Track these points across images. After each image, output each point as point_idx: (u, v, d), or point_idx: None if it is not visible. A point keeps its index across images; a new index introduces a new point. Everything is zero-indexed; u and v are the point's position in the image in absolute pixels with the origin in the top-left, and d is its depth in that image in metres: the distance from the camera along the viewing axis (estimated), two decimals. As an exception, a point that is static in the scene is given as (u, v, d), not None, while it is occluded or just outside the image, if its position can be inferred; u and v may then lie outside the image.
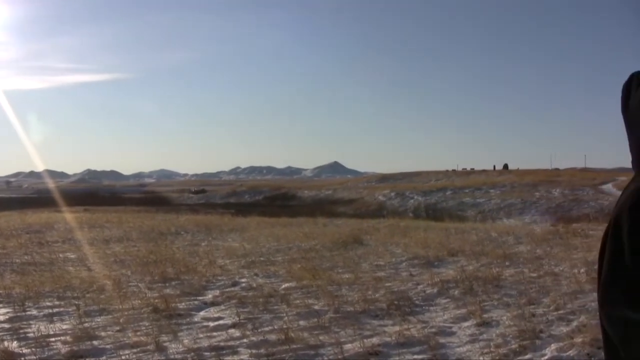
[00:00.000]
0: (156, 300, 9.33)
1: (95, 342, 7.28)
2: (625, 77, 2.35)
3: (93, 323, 8.18)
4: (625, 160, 2.35)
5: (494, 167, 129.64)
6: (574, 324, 7.70)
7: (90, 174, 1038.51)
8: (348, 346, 7.01)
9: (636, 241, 2.04)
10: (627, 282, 2.03)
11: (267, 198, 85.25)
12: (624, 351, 2.05)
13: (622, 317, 2.02)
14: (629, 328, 2.00)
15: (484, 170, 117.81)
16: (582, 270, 11.39)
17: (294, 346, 7.01)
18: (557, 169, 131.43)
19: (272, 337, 7.38)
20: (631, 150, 2.30)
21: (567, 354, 6.56)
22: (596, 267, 2.18)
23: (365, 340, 7.14)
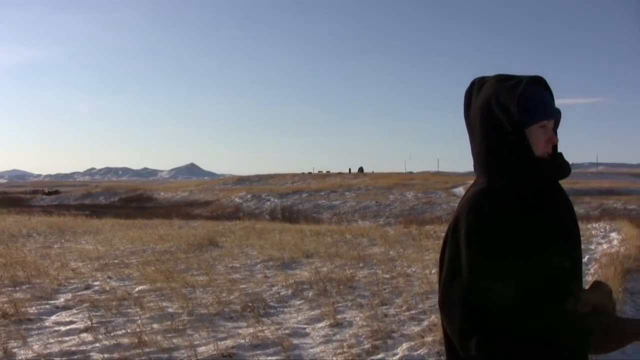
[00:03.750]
0: (5, 305, 9.01)
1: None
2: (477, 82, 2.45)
3: None
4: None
5: (350, 170, 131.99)
6: (425, 323, 7.96)
7: None
8: (202, 349, 6.99)
9: (473, 244, 2.18)
10: (463, 284, 2.18)
11: (122, 200, 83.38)
12: (461, 350, 2.18)
13: (459, 317, 2.17)
14: (464, 328, 2.16)
15: (339, 173, 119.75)
16: (433, 271, 11.76)
17: (147, 350, 6.94)
18: (411, 173, 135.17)
19: (125, 340, 7.28)
20: (472, 155, 2.41)
21: (418, 352, 6.77)
22: None
23: (219, 343, 7.15)
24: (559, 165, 2.43)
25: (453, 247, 2.27)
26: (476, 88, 2.45)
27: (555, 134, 2.43)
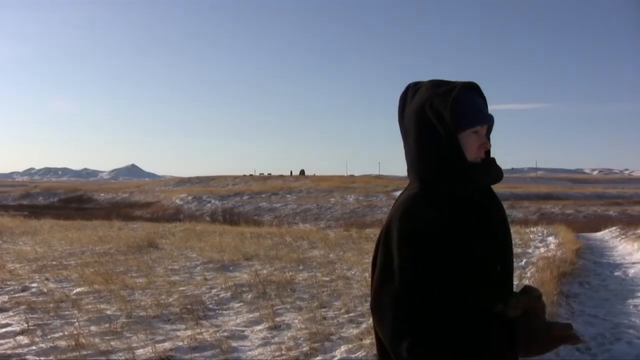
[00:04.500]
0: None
1: None
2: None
3: None
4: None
5: (291, 172, 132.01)
6: (364, 326, 8.04)
7: None
8: (140, 351, 6.97)
9: (405, 248, 2.23)
10: (394, 288, 2.22)
11: (62, 200, 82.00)
12: (393, 353, 2.23)
13: (391, 321, 2.21)
14: (396, 331, 2.20)
15: (281, 176, 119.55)
16: (372, 274, 11.82)
17: (85, 352, 6.90)
18: (352, 176, 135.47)
19: (62, 343, 7.22)
20: (406, 159, 2.47)
21: (356, 355, 6.84)
22: None
23: (157, 345, 7.14)
24: (492, 171, 2.48)
25: (385, 251, 2.30)
26: (410, 93, 2.49)
27: (488, 139, 2.48)
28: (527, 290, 2.44)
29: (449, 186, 2.35)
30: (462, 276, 2.24)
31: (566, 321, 8.60)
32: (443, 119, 2.34)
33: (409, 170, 2.47)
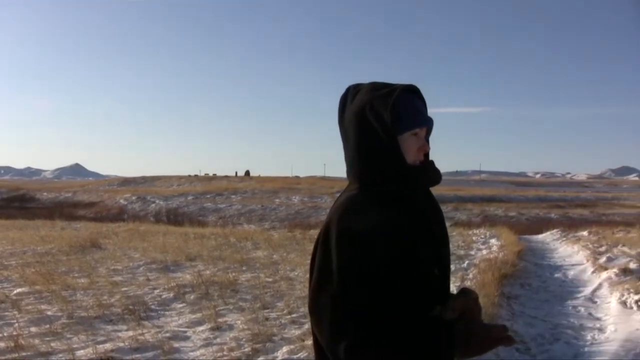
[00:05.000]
0: None
1: None
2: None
3: None
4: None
5: (236, 173, 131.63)
6: (306, 326, 8.08)
7: None
8: (80, 352, 6.94)
9: (344, 250, 2.24)
10: (333, 289, 2.22)
11: (3, 199, 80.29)
12: (330, 355, 2.25)
13: (329, 322, 2.21)
14: (334, 333, 2.20)
15: (226, 176, 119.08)
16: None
17: (24, 354, 6.84)
18: (297, 177, 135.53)
19: (1, 345, 7.16)
20: (345, 161, 2.50)
21: (298, 355, 6.89)
22: None
23: (98, 346, 7.11)
24: (430, 173, 2.48)
25: (324, 253, 2.30)
26: (350, 95, 2.49)
27: (428, 142, 2.48)
28: (464, 292, 2.44)
29: (388, 188, 2.37)
30: (400, 278, 2.26)
31: (507, 322, 8.80)
32: (383, 121, 2.34)
33: (348, 172, 2.47)
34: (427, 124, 2.46)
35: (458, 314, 2.30)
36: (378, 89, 2.43)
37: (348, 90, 2.52)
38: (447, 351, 2.23)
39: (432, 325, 2.25)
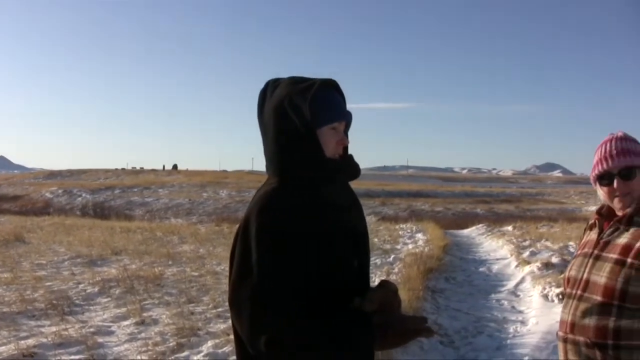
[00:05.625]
0: None
1: None
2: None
3: None
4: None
5: (164, 167, 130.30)
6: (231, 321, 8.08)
7: None
8: (2, 348, 6.83)
9: (263, 243, 2.27)
10: (253, 282, 2.25)
11: None
12: (251, 347, 2.28)
13: (249, 315, 2.25)
14: (254, 326, 2.24)
15: (153, 170, 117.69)
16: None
17: (-57, 350, 6.72)
18: (225, 171, 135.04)
19: None
20: (264, 155, 2.53)
21: (223, 350, 6.89)
22: None
23: (20, 342, 6.99)
24: (349, 167, 2.53)
25: (243, 246, 2.32)
26: (270, 89, 2.51)
27: (347, 136, 2.53)
28: (383, 284, 2.48)
29: (307, 181, 2.40)
30: (319, 271, 2.30)
31: (431, 316, 8.96)
32: (302, 114, 2.37)
33: (267, 167, 2.51)
34: (346, 118, 2.50)
35: (377, 306, 2.33)
36: (297, 83, 2.46)
37: (267, 84, 2.55)
38: (366, 342, 2.27)
39: (351, 317, 2.28)
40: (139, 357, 6.72)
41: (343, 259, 2.41)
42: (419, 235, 22.23)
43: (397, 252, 16.68)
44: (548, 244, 18.45)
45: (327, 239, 2.35)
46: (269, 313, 2.21)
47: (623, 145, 2.98)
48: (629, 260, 2.77)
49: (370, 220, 39.40)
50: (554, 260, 14.16)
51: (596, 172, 3.04)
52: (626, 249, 2.82)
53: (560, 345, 3.04)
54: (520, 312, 10.02)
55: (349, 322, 2.26)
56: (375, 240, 20.09)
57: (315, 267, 2.29)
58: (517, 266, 14.65)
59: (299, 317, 2.22)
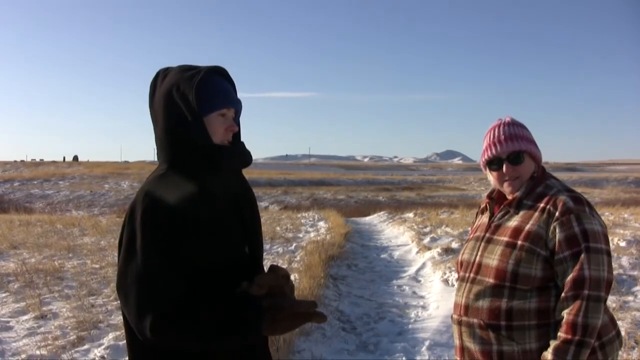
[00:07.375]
0: None
1: None
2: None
3: None
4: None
5: (64, 158, 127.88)
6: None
7: None
8: None
9: (148, 228, 2.29)
10: (138, 267, 2.27)
11: None
12: (138, 333, 2.29)
13: (136, 301, 2.27)
14: (140, 311, 2.25)
15: (53, 162, 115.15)
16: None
17: None
18: (127, 162, 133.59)
19: None
20: (155, 143, 2.56)
21: (124, 342, 6.75)
22: None
23: None
24: (239, 154, 2.58)
25: (129, 232, 2.33)
26: (160, 78, 2.55)
27: (238, 123, 2.59)
28: (273, 269, 2.51)
29: (195, 168, 2.43)
30: (205, 255, 2.33)
31: (333, 302, 9.10)
32: (188, 101, 2.41)
33: (158, 155, 2.54)
34: (234, 105, 2.56)
35: (266, 290, 2.38)
36: (185, 70, 2.50)
37: (158, 74, 2.58)
38: (255, 325, 2.29)
39: (238, 300, 2.31)
40: (38, 352, 6.67)
41: (232, 244, 2.46)
42: (321, 224, 22.45)
43: (299, 241, 16.85)
44: (448, 229, 18.87)
45: (212, 224, 2.38)
46: (153, 297, 2.23)
47: (511, 131, 3.10)
48: (519, 242, 2.91)
49: (272, 209, 39.60)
50: (454, 245, 14.55)
51: (486, 157, 3.15)
52: (516, 232, 2.96)
53: (455, 328, 3.16)
54: (422, 297, 10.27)
55: (236, 305, 2.29)
56: (278, 229, 20.24)
57: (200, 251, 2.31)
58: (418, 252, 14.97)
59: (184, 301, 2.24)
